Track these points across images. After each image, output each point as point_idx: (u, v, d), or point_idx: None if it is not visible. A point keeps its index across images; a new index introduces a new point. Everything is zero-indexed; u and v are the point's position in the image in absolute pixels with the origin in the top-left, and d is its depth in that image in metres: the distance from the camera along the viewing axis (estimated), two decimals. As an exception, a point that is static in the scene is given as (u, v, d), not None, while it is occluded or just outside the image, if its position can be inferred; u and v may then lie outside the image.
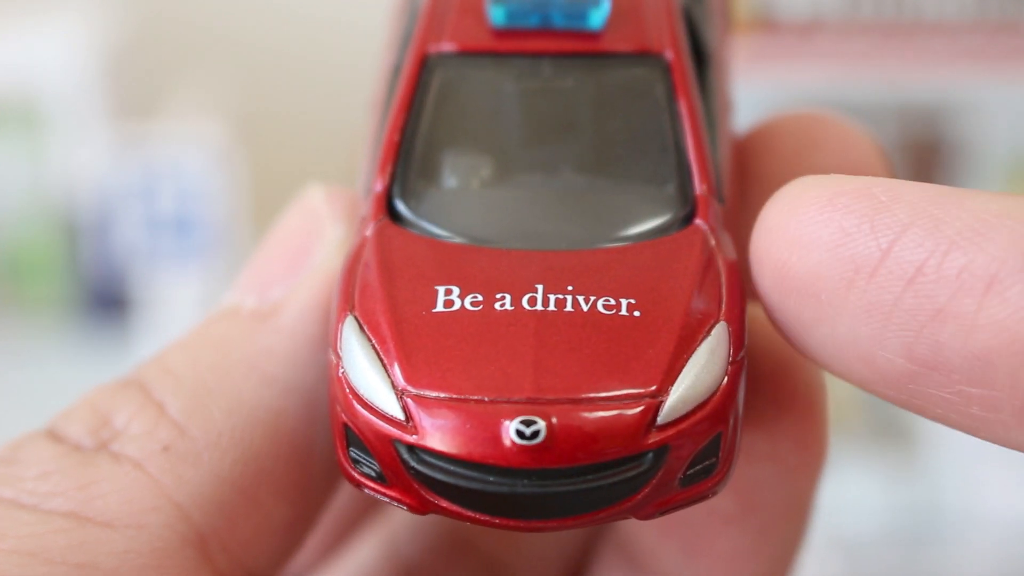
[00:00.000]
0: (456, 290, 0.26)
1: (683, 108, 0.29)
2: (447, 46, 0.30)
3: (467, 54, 0.30)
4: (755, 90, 1.11)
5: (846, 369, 0.25)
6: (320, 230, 0.30)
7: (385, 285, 0.26)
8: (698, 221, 0.28)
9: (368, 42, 1.39)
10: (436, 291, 0.26)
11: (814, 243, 0.24)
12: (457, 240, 0.27)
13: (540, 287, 0.26)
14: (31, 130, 1.10)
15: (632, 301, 0.26)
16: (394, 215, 0.28)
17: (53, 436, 0.28)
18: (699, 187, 0.28)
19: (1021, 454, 0.23)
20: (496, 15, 0.29)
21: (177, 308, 1.07)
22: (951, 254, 0.23)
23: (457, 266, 0.26)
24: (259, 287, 0.30)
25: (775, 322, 0.26)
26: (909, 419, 1.01)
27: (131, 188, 1.06)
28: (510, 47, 0.30)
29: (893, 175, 0.32)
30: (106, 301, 1.11)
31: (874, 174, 0.31)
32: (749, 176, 0.32)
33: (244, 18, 1.26)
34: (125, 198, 1.06)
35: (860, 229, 0.24)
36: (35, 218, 1.11)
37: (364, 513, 0.36)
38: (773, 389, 0.30)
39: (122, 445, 0.28)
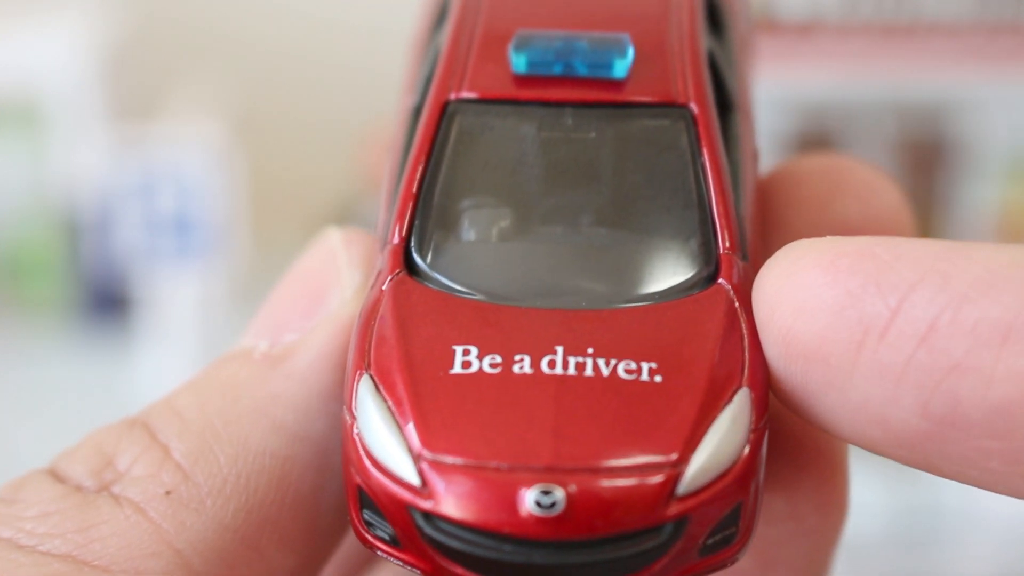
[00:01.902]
0: (474, 350, 0.25)
1: (708, 162, 0.28)
2: (467, 93, 0.29)
3: (488, 101, 0.29)
4: (755, 90, 1.11)
5: (858, 433, 0.24)
6: (337, 275, 0.29)
7: (401, 343, 0.26)
8: (721, 281, 0.27)
9: (368, 42, 1.39)
10: (454, 351, 0.25)
11: (819, 307, 0.24)
12: (476, 296, 0.27)
13: (560, 349, 0.25)
14: (31, 130, 1.10)
15: (653, 365, 0.25)
16: (411, 268, 0.27)
17: (55, 476, 0.28)
18: (723, 245, 0.27)
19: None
20: (518, 63, 0.29)
21: (177, 308, 1.07)
22: (964, 308, 0.23)
23: (475, 325, 0.26)
24: (273, 331, 0.29)
25: (780, 392, 0.25)
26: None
27: (131, 188, 1.06)
28: (532, 95, 0.29)
29: (915, 224, 0.31)
30: (106, 301, 1.11)
31: (899, 222, 0.31)
32: (770, 224, 0.31)
33: (244, 18, 1.26)
34: (125, 198, 1.06)
35: (866, 290, 0.23)
36: (35, 218, 1.11)
37: (369, 564, 0.35)
38: (793, 449, 0.30)
39: (124, 487, 0.27)
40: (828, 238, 0.25)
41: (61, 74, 1.09)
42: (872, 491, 0.99)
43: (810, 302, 0.24)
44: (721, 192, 0.28)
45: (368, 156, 1.15)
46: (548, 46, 0.29)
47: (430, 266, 0.27)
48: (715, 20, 0.32)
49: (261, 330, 0.29)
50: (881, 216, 0.31)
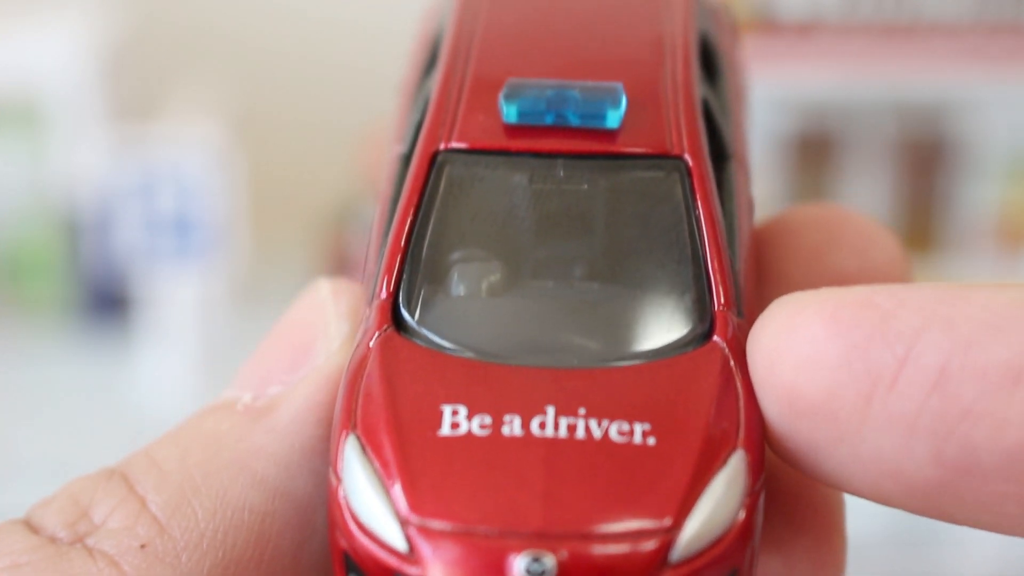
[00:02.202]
0: (463, 410, 0.25)
1: (703, 216, 0.27)
2: (457, 143, 0.28)
3: (478, 152, 0.28)
4: (755, 90, 1.11)
5: (871, 487, 0.24)
6: (325, 327, 0.29)
7: (389, 403, 0.25)
8: (716, 338, 0.26)
9: (368, 42, 1.39)
10: (442, 411, 0.25)
11: (824, 361, 0.23)
12: (465, 354, 0.26)
13: (551, 409, 0.25)
14: (31, 130, 1.10)
15: (647, 426, 0.24)
16: (399, 323, 0.27)
17: (29, 526, 0.27)
18: (718, 302, 0.27)
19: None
20: (509, 112, 0.28)
21: (177, 308, 1.07)
22: (972, 351, 0.22)
23: (465, 383, 0.25)
24: (257, 383, 0.29)
25: (782, 451, 0.25)
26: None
27: (131, 188, 1.06)
28: (522, 146, 0.28)
29: (912, 271, 0.31)
30: (106, 301, 1.11)
31: (897, 273, 0.30)
32: (764, 275, 0.31)
33: (244, 18, 1.26)
34: (125, 198, 1.06)
35: (872, 340, 0.23)
36: (35, 218, 1.11)
37: None
38: (789, 509, 0.29)
39: (98, 540, 0.26)
40: (824, 289, 0.24)
41: (61, 74, 1.09)
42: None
43: (814, 356, 0.24)
44: (716, 247, 0.27)
45: (367, 155, 1.15)
46: (539, 95, 0.28)
47: (419, 322, 0.27)
48: (708, 66, 0.31)
49: (246, 382, 0.29)
50: (878, 268, 0.30)
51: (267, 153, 1.21)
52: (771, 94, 1.10)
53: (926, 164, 1.13)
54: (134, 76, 1.17)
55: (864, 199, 1.12)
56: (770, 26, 1.09)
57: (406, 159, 0.29)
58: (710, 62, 0.32)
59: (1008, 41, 1.09)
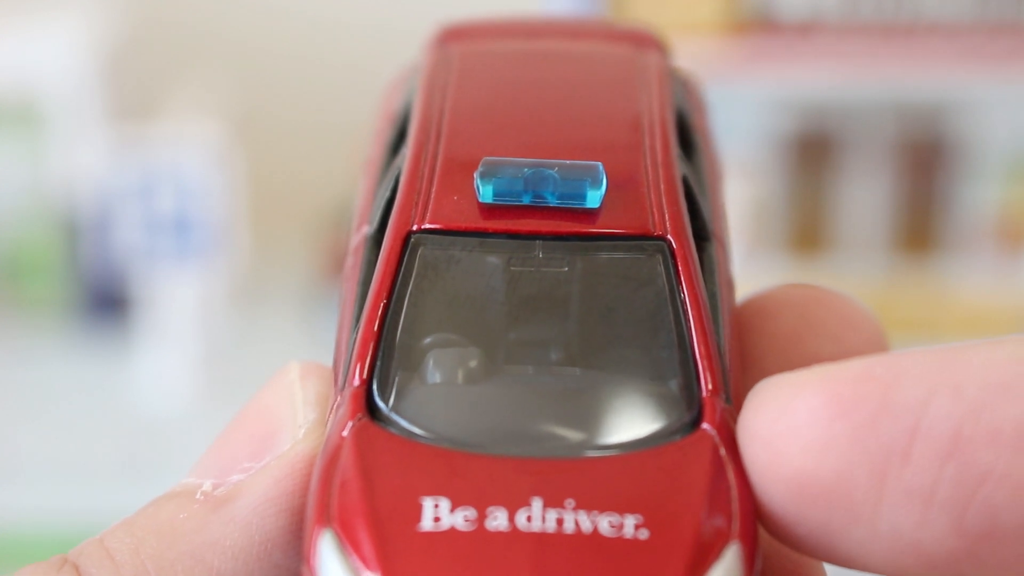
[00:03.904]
0: (445, 503, 0.24)
1: (688, 298, 0.27)
2: (431, 224, 0.27)
3: (453, 233, 0.27)
4: (755, 90, 1.11)
5: (890, 564, 0.23)
6: (292, 414, 0.27)
7: (366, 496, 0.24)
8: (705, 426, 0.25)
9: (368, 42, 1.39)
10: (423, 504, 0.24)
11: (832, 443, 0.23)
12: (444, 444, 0.25)
13: (537, 501, 0.24)
14: (31, 130, 1.10)
15: (638, 519, 0.24)
16: (374, 411, 0.26)
17: None
18: (706, 387, 0.26)
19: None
20: (484, 192, 0.27)
21: (177, 308, 1.07)
22: (983, 415, 0.22)
23: (445, 475, 0.24)
24: (219, 470, 0.27)
25: (789, 537, 0.24)
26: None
27: (131, 188, 1.06)
28: (499, 227, 0.27)
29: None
30: (106, 301, 1.11)
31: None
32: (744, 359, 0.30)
33: (244, 18, 1.26)
34: (125, 198, 1.06)
35: (879, 416, 0.23)
36: (35, 218, 1.11)
37: None
38: None
39: None
40: (816, 368, 0.24)
41: (61, 74, 1.09)
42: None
43: (820, 439, 0.23)
44: (702, 330, 0.26)
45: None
46: (517, 174, 0.27)
47: (394, 410, 0.25)
48: (684, 142, 0.31)
49: (207, 468, 0.28)
50: (857, 353, 0.29)
51: (267, 153, 1.21)
52: (771, 94, 1.10)
53: (926, 164, 1.13)
54: (134, 76, 1.17)
55: (863, 199, 1.12)
56: (770, 26, 1.09)
57: (375, 240, 0.28)
58: (686, 138, 0.31)
59: (1008, 41, 1.09)
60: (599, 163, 0.27)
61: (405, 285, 0.27)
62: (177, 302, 1.07)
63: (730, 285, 0.30)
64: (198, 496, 0.27)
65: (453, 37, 0.33)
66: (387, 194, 0.29)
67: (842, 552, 0.24)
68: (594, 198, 0.27)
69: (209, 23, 1.26)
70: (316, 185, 1.21)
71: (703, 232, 0.29)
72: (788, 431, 0.23)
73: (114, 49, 1.13)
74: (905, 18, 1.09)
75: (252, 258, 1.17)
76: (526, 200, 0.27)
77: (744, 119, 1.09)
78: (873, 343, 0.29)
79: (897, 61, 1.09)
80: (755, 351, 0.29)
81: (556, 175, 0.27)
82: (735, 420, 0.25)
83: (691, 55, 1.07)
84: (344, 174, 1.17)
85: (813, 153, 1.13)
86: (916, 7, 1.08)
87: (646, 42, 0.33)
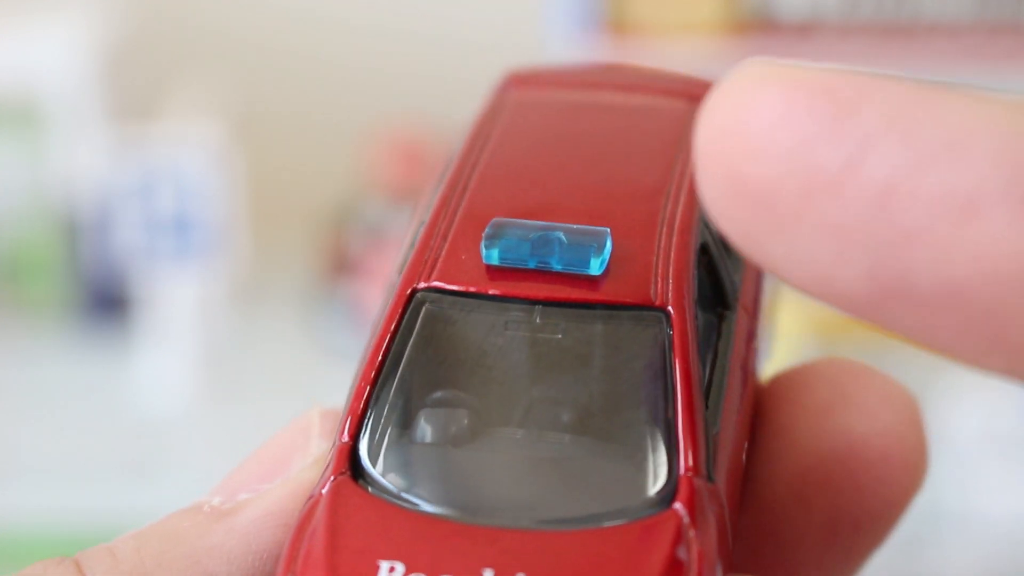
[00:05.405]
0: (400, 568, 0.24)
1: (678, 373, 0.26)
2: (436, 282, 0.27)
3: (454, 293, 0.27)
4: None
5: (804, 287, 0.23)
6: (306, 444, 0.28)
7: (328, 555, 0.24)
8: (677, 505, 0.25)
9: (368, 42, 1.39)
10: (379, 566, 0.24)
11: (770, 150, 0.21)
12: (416, 507, 0.25)
13: (488, 573, 0.24)
14: (31, 130, 1.10)
15: None
16: (358, 468, 0.26)
17: None
18: (685, 466, 0.25)
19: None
20: (489, 255, 0.27)
21: (177, 308, 1.07)
22: (924, 172, 0.20)
23: (406, 540, 0.24)
24: (231, 490, 0.28)
25: (723, 228, 0.23)
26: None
27: (131, 188, 1.06)
28: (500, 290, 0.27)
29: (929, 436, 0.29)
30: (106, 301, 1.11)
31: (910, 439, 0.29)
32: (769, 427, 0.29)
33: (244, 18, 1.26)
34: (125, 198, 1.06)
35: (821, 136, 0.21)
36: (35, 218, 1.11)
37: None
38: None
39: None
40: (790, 64, 0.22)
41: (61, 74, 1.09)
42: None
43: (761, 145, 0.22)
44: (689, 407, 0.26)
45: (376, 157, 1.15)
46: (523, 238, 0.27)
47: (376, 470, 0.26)
48: None
49: (220, 489, 0.29)
50: (890, 431, 0.29)
51: (267, 153, 1.21)
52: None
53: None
54: (134, 76, 1.17)
55: (864, 199, 1.13)
56: (770, 26, 1.09)
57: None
58: None
59: (1008, 41, 1.09)
60: (607, 229, 0.27)
61: (404, 342, 0.27)
62: (177, 302, 1.07)
63: (752, 357, 0.29)
64: (205, 509, 0.28)
65: (516, 84, 0.32)
66: (409, 244, 0.29)
67: (763, 259, 0.23)
68: (596, 265, 0.27)
69: (209, 23, 1.26)
70: (316, 185, 1.21)
71: (725, 301, 0.29)
72: (735, 129, 0.22)
73: (114, 49, 1.13)
74: (905, 18, 1.09)
75: (252, 258, 1.17)
76: (532, 264, 0.27)
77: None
78: (908, 421, 0.29)
79: (897, 61, 1.09)
80: (787, 422, 0.29)
81: (563, 240, 0.27)
82: (719, 499, 0.25)
83: (691, 55, 1.07)
84: (344, 174, 1.17)
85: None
86: (916, 7, 1.08)
87: (701, 98, 0.32)
